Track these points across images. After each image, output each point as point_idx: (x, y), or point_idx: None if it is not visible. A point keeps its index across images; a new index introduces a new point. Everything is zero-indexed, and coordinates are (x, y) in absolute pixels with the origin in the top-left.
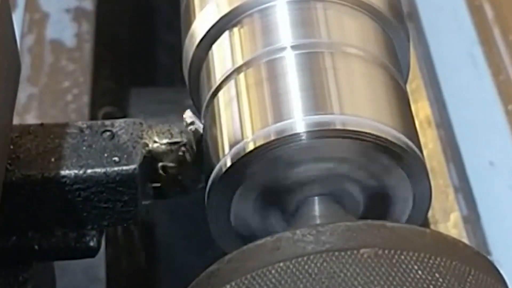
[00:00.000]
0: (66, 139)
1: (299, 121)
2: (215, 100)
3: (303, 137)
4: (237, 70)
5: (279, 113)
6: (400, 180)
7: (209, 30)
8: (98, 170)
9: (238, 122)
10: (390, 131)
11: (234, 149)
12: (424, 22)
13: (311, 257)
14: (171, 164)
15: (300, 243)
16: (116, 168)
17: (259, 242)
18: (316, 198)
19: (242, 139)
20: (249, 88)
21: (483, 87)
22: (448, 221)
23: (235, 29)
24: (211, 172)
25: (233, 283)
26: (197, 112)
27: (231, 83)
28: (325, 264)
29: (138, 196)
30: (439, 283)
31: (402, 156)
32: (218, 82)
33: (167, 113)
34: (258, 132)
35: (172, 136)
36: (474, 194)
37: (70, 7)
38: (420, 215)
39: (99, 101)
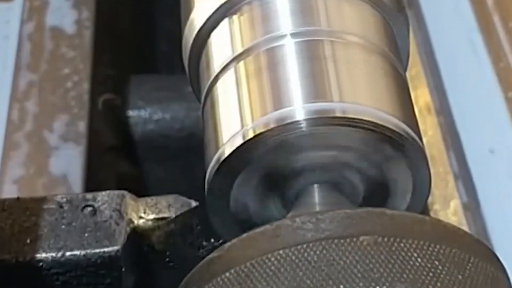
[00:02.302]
0: (43, 216)
1: (298, 109)
2: (215, 88)
3: (303, 125)
4: (237, 58)
5: (278, 100)
6: (399, 168)
7: (208, 18)
8: (77, 252)
9: (237, 110)
10: (389, 118)
11: (233, 137)
12: (424, 9)
13: (311, 244)
14: (158, 241)
15: (299, 230)
16: (97, 250)
17: (258, 230)
18: (315, 185)
19: (242, 126)
20: (249, 76)
21: (483, 74)
22: (448, 209)
23: (235, 17)
24: (210, 160)
25: (232, 271)
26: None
27: (231, 71)
28: (324, 251)
29: (121, 278)
30: (438, 271)
31: (402, 144)
32: (217, 70)
33: (167, 100)
34: (257, 120)
35: (159, 211)
36: (474, 181)
37: None
38: (420, 203)
39: (99, 88)
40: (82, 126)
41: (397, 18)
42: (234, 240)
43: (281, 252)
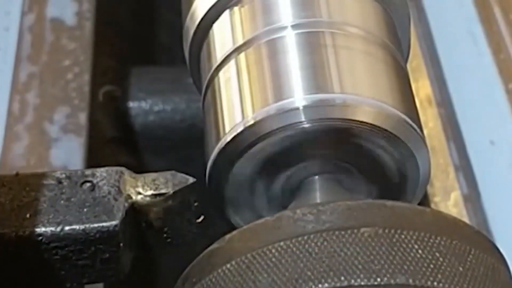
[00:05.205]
0: (42, 191)
1: (299, 100)
2: (216, 79)
3: (303, 116)
4: (238, 50)
5: (279, 92)
6: (400, 159)
7: (209, 9)
8: (76, 227)
9: (238, 101)
10: (390, 110)
11: (234, 128)
12: (425, 1)
13: (312, 236)
14: (156, 217)
15: (300, 222)
16: (96, 225)
17: (259, 221)
18: (316, 177)
19: (243, 118)
20: (250, 67)
21: (483, 66)
22: (449, 200)
23: (236, 9)
24: (211, 151)
25: (233, 262)
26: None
27: (232, 62)
28: (325, 243)
29: (120, 253)
30: (439, 262)
31: (403, 135)
32: (218, 62)
33: (168, 91)
34: (258, 111)
35: (157, 187)
36: (474, 173)
37: None
38: (420, 193)
39: (100, 79)
40: (82, 117)
41: (398, 9)
42: (234, 232)
43: (282, 243)
